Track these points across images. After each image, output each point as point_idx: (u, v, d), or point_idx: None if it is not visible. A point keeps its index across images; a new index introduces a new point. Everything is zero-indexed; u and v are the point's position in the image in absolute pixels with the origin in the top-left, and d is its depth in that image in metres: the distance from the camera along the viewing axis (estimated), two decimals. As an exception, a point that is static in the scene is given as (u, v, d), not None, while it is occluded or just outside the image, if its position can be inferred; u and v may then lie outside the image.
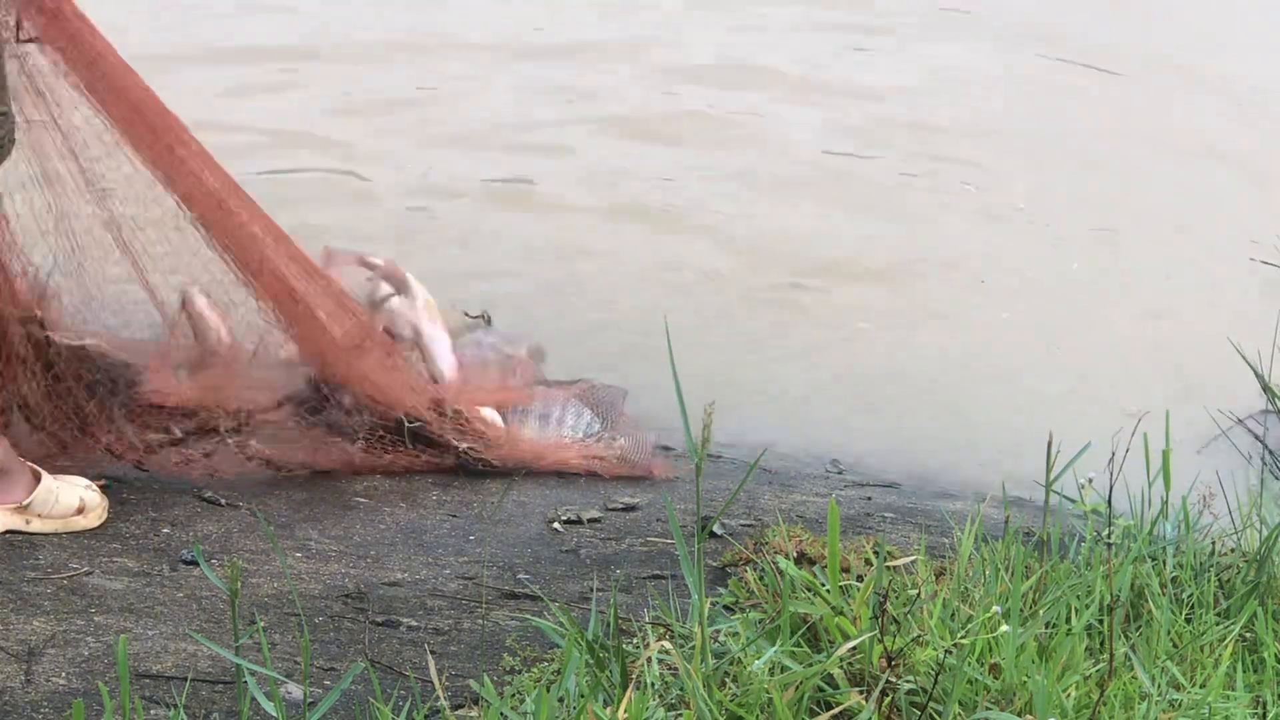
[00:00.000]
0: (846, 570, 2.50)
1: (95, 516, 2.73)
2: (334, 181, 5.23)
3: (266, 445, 3.05)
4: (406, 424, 3.10)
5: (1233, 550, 2.64)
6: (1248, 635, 2.36)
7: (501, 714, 1.94)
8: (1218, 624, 2.36)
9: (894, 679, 1.98)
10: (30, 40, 2.66)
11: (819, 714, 1.96)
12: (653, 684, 2.02)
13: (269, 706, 1.80)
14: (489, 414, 3.29)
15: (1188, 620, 2.39)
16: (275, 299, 2.93)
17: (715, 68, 6.29)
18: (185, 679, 2.17)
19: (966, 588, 2.33)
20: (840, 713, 1.96)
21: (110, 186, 2.81)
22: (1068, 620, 2.21)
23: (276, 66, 5.96)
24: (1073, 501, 2.24)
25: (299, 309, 2.95)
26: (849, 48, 6.51)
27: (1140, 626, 2.34)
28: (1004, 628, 1.97)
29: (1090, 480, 2.06)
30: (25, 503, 2.62)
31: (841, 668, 2.01)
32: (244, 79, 5.86)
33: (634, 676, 2.00)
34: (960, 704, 1.96)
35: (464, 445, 3.15)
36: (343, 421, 3.09)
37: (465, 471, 3.19)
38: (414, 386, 3.13)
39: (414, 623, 2.48)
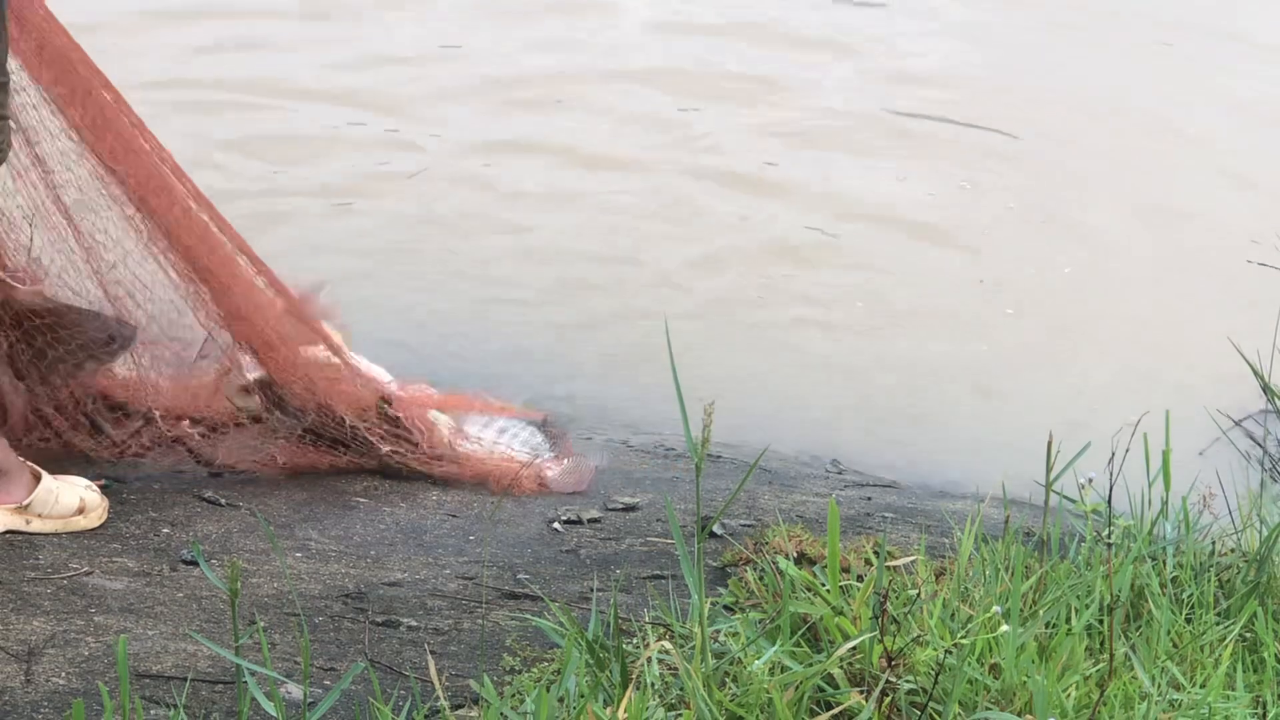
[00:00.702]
0: (846, 570, 2.50)
1: (96, 517, 2.73)
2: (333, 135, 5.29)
3: (196, 434, 3.03)
4: (347, 421, 3.05)
5: (1233, 550, 2.64)
6: (1248, 635, 2.36)
7: (501, 714, 1.94)
8: (1218, 624, 2.36)
9: (894, 679, 1.97)
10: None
11: (819, 714, 1.96)
12: (653, 684, 2.02)
13: (269, 706, 1.80)
14: (438, 417, 3.27)
15: (1188, 620, 2.39)
16: (225, 294, 2.89)
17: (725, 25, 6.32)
18: (185, 679, 2.17)
19: (966, 588, 2.33)
20: (840, 713, 1.96)
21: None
22: (1068, 620, 2.21)
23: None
24: (1073, 501, 2.24)
25: (248, 304, 2.92)
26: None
27: (1140, 626, 2.34)
28: (1004, 628, 1.97)
29: (1090, 480, 2.06)
30: (25, 503, 2.62)
31: (841, 668, 2.01)
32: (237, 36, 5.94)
33: (634, 676, 2.00)
34: (960, 704, 1.96)
35: (386, 449, 3.11)
36: (279, 423, 3.07)
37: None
38: (357, 383, 3.09)
39: (414, 623, 2.48)
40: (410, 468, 3.16)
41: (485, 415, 3.44)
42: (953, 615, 2.19)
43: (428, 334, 4.36)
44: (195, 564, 2.60)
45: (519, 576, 2.72)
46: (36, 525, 2.63)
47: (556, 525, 3.01)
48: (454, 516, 3.03)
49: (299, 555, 2.74)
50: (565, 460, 3.37)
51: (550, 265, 4.74)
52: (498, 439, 3.37)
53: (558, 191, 5.17)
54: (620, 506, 3.15)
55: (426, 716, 2.07)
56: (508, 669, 2.32)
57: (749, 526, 2.98)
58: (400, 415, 3.14)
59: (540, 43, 6.12)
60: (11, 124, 2.53)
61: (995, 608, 2.02)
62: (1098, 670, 2.11)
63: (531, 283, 4.66)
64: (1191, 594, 2.45)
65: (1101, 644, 2.22)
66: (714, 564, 2.76)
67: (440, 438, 3.22)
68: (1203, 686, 2.14)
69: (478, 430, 3.38)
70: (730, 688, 2.02)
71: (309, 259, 4.50)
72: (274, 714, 1.79)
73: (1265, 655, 2.30)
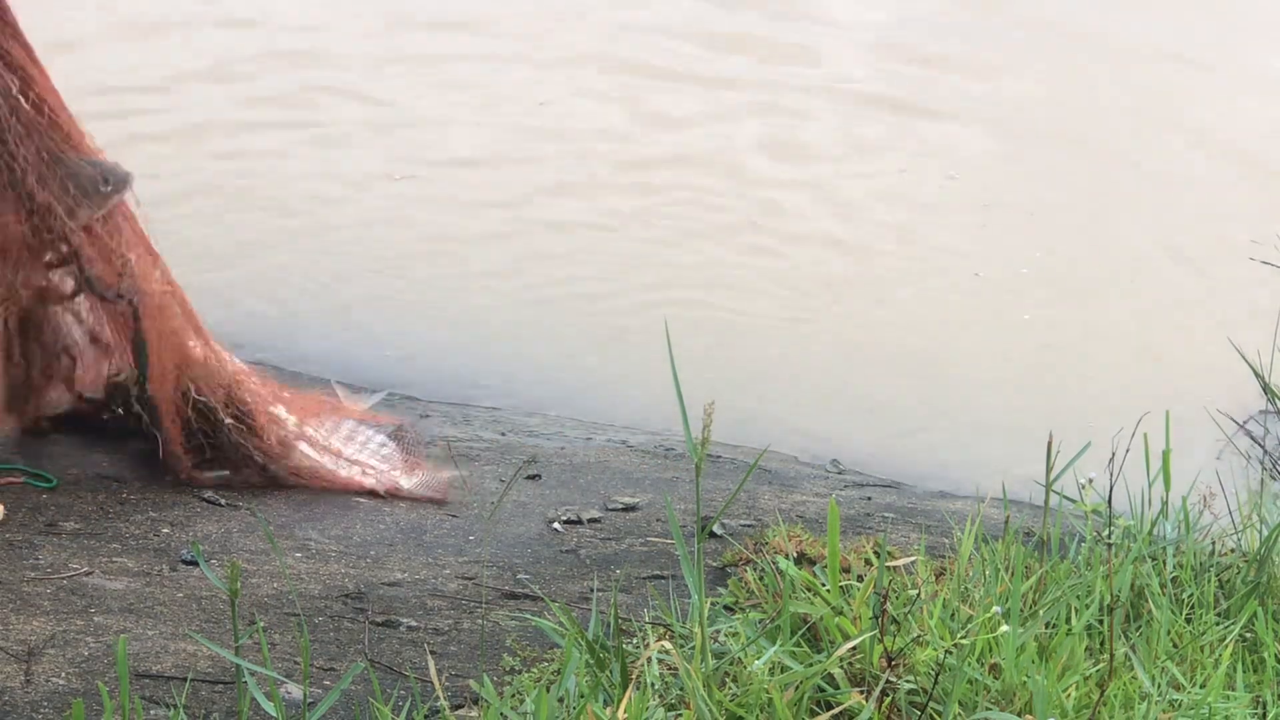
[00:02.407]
0: (846, 570, 2.50)
1: None
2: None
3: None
4: (195, 397, 2.99)
5: (1233, 550, 2.64)
6: (1248, 635, 2.36)
7: (501, 714, 1.94)
8: (1218, 624, 2.36)
9: (894, 679, 1.97)
10: None
11: (819, 714, 1.96)
12: (653, 684, 2.01)
13: (269, 706, 1.80)
14: (281, 413, 3.16)
15: (1188, 620, 2.39)
16: None
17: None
18: (185, 679, 2.17)
19: (966, 588, 2.33)
20: (840, 713, 1.96)
21: None
22: (1068, 620, 2.21)
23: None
24: (1073, 501, 2.24)
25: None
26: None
27: (1140, 626, 2.34)
28: (1004, 628, 1.97)
29: (1090, 480, 2.06)
30: None
31: (842, 668, 2.01)
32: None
33: (634, 676, 2.00)
34: (960, 704, 1.96)
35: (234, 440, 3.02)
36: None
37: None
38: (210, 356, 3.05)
39: (414, 623, 2.48)
40: (260, 468, 3.07)
41: (333, 418, 3.31)
42: (953, 615, 2.19)
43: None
44: (195, 564, 2.60)
45: (519, 576, 2.72)
46: None
47: (556, 525, 3.01)
48: (454, 517, 3.03)
49: (299, 555, 2.74)
50: (416, 468, 3.25)
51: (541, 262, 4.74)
52: (346, 445, 3.25)
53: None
54: (620, 506, 3.15)
55: (426, 716, 2.07)
56: (508, 669, 2.32)
57: (749, 526, 2.98)
58: (249, 406, 3.06)
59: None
60: None
61: (995, 608, 2.02)
62: (1098, 670, 2.11)
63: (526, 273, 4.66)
64: (1191, 594, 2.45)
65: (1101, 644, 2.22)
66: (714, 564, 2.76)
67: (282, 437, 3.12)
68: (1203, 686, 2.14)
69: (325, 434, 3.24)
70: (730, 688, 2.02)
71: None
72: (274, 714, 1.79)
73: (1265, 655, 2.29)
